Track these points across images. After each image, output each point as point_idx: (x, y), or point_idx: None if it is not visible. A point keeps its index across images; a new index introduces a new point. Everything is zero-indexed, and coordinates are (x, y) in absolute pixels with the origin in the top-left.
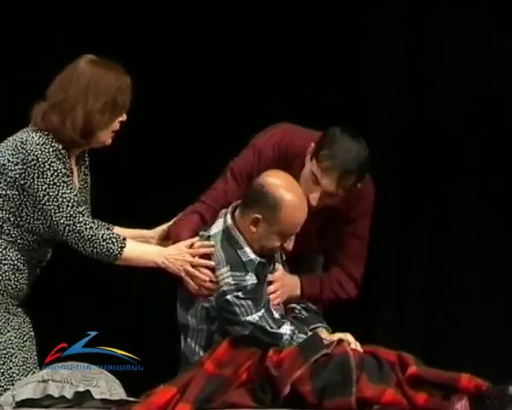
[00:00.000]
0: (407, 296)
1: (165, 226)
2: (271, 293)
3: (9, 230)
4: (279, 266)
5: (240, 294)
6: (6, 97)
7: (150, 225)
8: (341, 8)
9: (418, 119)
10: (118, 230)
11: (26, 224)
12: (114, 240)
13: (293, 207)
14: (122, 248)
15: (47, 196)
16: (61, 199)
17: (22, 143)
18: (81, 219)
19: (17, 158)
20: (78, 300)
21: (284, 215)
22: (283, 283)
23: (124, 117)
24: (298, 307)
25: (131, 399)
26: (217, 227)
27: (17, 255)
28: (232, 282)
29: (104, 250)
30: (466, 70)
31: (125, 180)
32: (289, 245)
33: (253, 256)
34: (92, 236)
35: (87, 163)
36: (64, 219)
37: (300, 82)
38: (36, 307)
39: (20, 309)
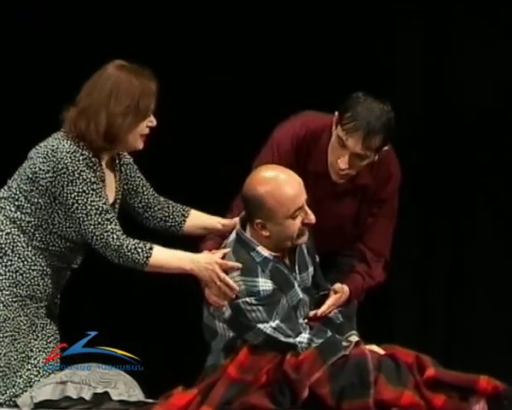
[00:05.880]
0: (427, 296)
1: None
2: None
3: (42, 236)
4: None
5: (252, 299)
6: (35, 100)
7: None
8: (359, 11)
9: (436, 122)
10: (194, 213)
11: (58, 230)
12: (140, 250)
13: (273, 193)
14: (148, 257)
15: (76, 204)
16: (89, 207)
17: (53, 150)
18: (108, 228)
19: (48, 166)
20: (78, 300)
21: (273, 204)
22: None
23: (153, 122)
24: (335, 309)
25: (150, 400)
26: (232, 235)
27: (47, 261)
28: (243, 286)
29: (130, 260)
30: (484, 74)
31: None
32: (310, 217)
33: (266, 254)
34: (118, 246)
35: (127, 160)
36: (92, 226)
37: (314, 85)
38: None
39: (47, 311)
